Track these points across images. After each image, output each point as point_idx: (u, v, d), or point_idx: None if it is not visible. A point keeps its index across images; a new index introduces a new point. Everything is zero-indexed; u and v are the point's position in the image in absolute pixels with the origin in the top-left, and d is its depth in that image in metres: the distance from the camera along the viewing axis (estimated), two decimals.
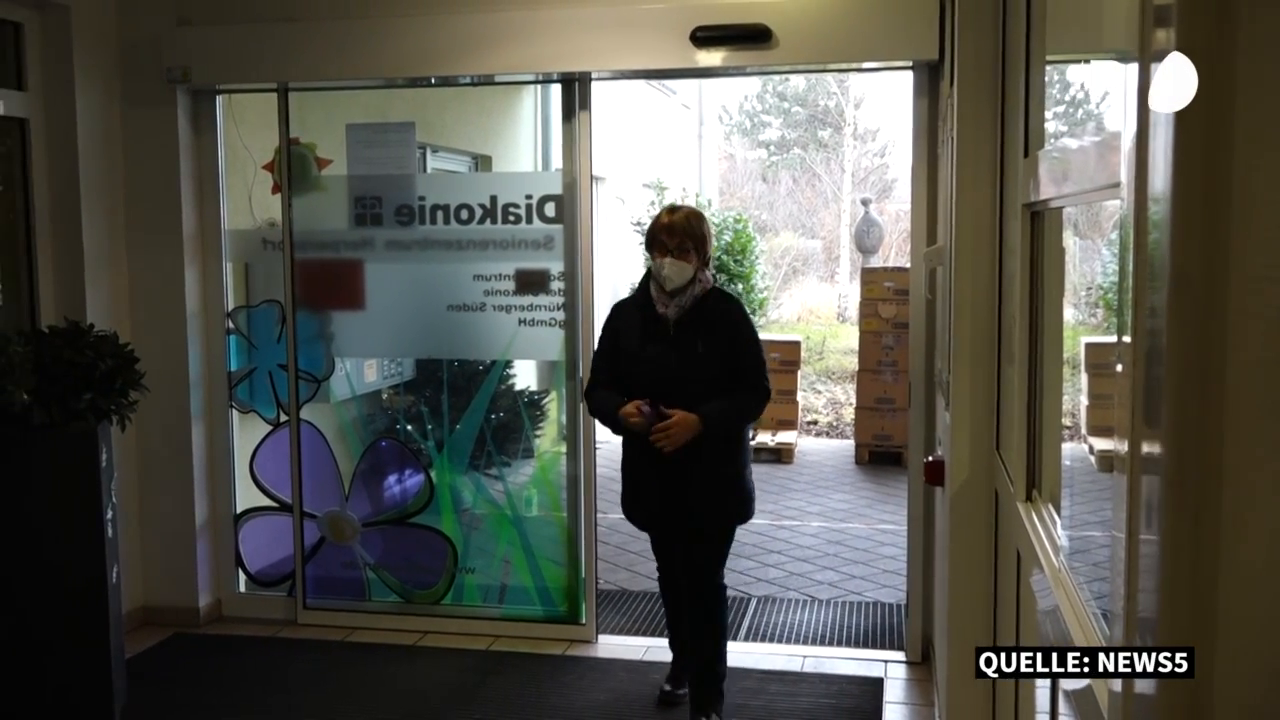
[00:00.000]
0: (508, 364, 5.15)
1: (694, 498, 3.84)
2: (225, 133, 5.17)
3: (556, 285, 4.88)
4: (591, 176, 4.92)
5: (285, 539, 5.30)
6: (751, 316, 3.91)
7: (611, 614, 5.33)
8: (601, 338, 3.99)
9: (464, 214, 4.92)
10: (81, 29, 4.81)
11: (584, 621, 4.99)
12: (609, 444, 5.81)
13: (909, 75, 4.59)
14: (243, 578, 5.34)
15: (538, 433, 5.38)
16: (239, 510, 5.29)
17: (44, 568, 3.96)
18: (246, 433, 5.29)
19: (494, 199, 4.91)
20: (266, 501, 5.31)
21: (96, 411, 3.97)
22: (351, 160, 5.03)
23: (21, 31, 4.71)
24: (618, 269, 12.57)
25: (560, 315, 4.89)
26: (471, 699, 4.35)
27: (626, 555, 6.42)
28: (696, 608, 3.96)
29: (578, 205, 4.81)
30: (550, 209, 4.85)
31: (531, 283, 4.89)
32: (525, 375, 5.49)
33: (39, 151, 4.76)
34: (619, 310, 3.98)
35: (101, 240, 4.93)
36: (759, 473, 8.60)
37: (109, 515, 4.05)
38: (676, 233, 3.81)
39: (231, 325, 5.22)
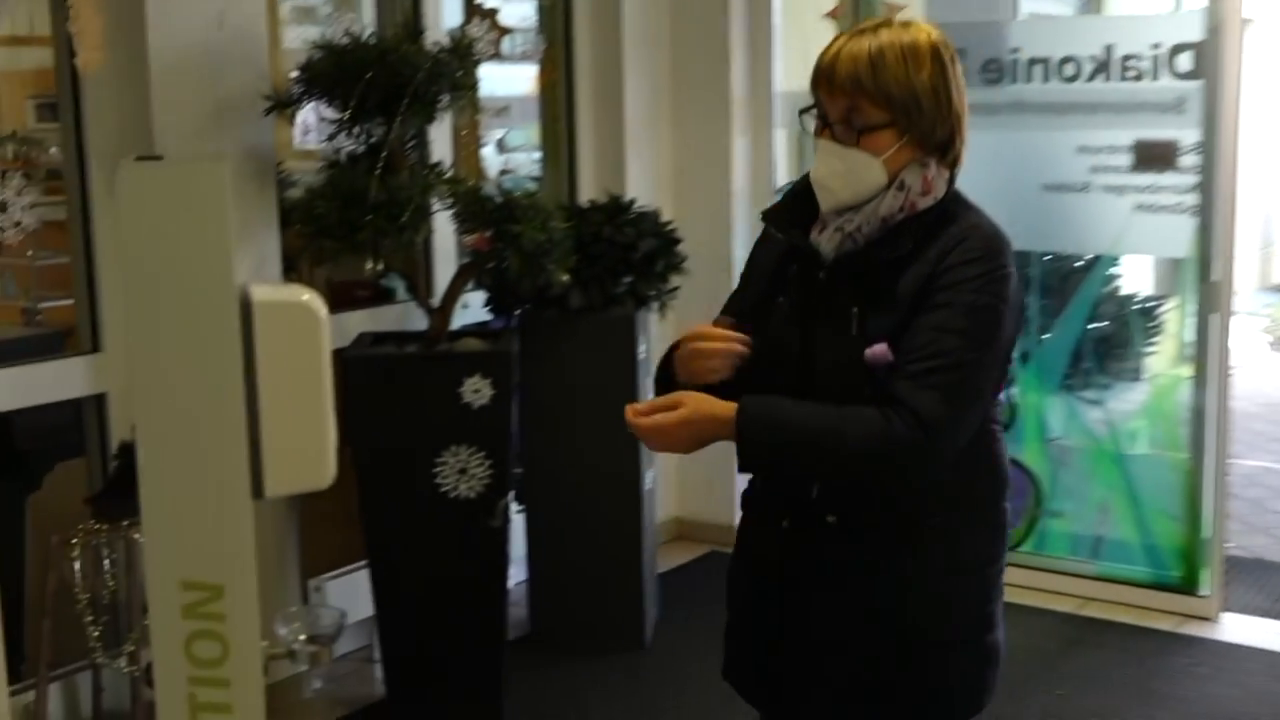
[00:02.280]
0: (1116, 260, 4.94)
1: (815, 641, 2.28)
2: None
3: (1188, 160, 4.57)
4: (1242, 18, 4.52)
5: None
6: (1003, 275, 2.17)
7: (1242, 588, 4.99)
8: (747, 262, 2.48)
9: (1069, 69, 4.73)
10: None
11: (1204, 593, 4.72)
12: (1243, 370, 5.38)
13: None
14: None
15: (1151, 349, 5.11)
16: None
17: (578, 462, 4.36)
18: None
19: (1109, 49, 4.66)
20: None
21: (636, 296, 4.27)
22: (930, 4, 4.96)
23: None
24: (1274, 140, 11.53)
25: (1191, 199, 4.58)
26: (1052, 669, 4.28)
27: (1266, 515, 5.99)
28: None
29: (1222, 56, 4.45)
30: (1184, 61, 4.53)
31: (1154, 157, 4.62)
32: (1138, 275, 5.22)
33: (582, 3, 5.13)
34: (767, 221, 2.40)
35: (644, 104, 5.25)
36: None
37: None
38: (843, 86, 2.16)
39: None
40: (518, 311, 4.30)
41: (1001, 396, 2.28)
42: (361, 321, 4.29)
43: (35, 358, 3.79)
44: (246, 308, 1.67)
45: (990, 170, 4.92)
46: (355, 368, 3.79)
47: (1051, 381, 5.01)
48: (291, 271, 4.15)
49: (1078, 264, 4.97)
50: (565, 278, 3.96)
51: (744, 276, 2.43)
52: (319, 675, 4.26)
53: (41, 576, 3.50)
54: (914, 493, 2.17)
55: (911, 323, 2.11)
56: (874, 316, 2.13)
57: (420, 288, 4.19)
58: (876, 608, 2.20)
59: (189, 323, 1.59)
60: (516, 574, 4.43)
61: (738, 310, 2.37)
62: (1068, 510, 5.01)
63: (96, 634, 3.47)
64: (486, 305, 4.39)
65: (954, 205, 2.21)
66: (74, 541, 3.40)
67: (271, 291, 1.73)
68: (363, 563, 4.07)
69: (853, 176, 2.18)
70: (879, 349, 2.10)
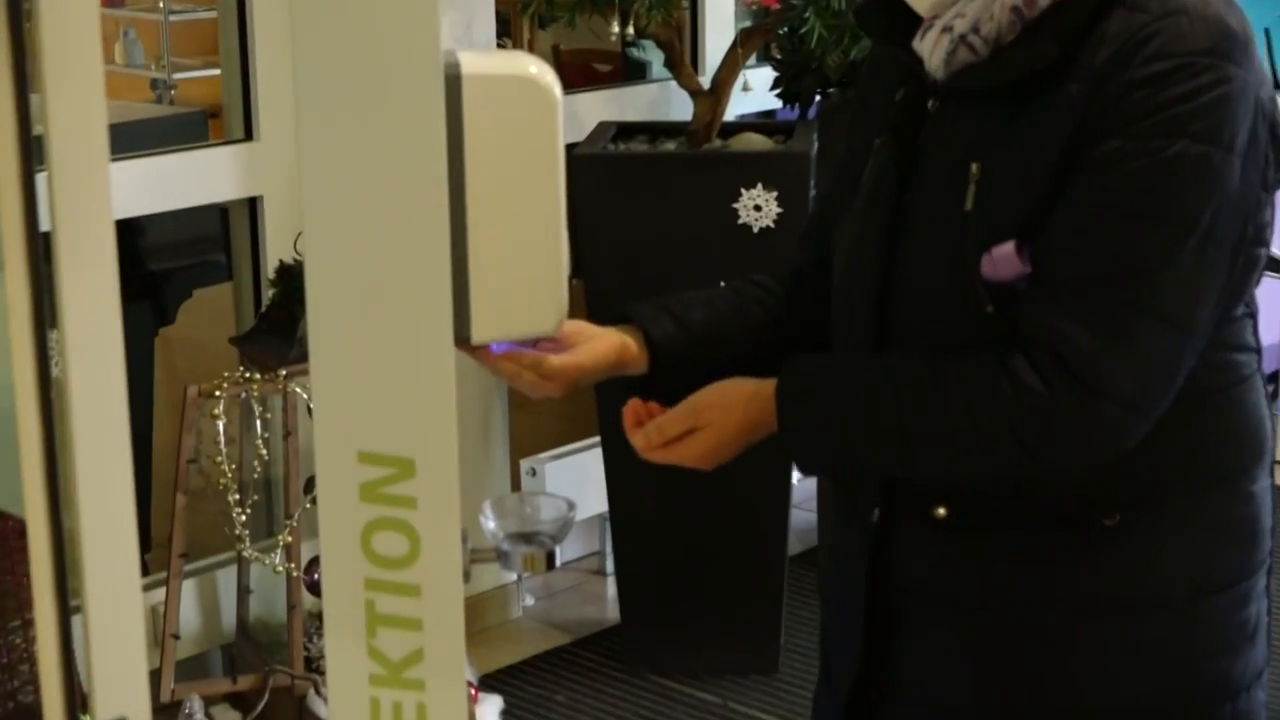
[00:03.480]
0: None
1: (905, 700, 2.03)
2: None
3: None
4: None
5: None
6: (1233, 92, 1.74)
7: None
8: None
9: None
10: None
11: None
12: None
13: None
14: None
15: None
16: None
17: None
18: None
19: None
20: None
21: None
22: None
23: None
24: None
25: None
26: None
27: None
28: None
29: None
30: None
31: None
32: None
33: None
34: (858, 22, 2.21)
35: None
36: None
37: None
38: None
39: None
40: (818, 98, 4.27)
41: (1255, 301, 1.91)
42: (601, 106, 4.33)
43: (167, 147, 3.93)
44: (453, 82, 1.70)
45: None
46: (592, 170, 3.84)
47: None
48: (507, 36, 4.19)
49: None
50: None
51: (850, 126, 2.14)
52: (533, 588, 4.41)
53: (173, 439, 3.67)
54: (1079, 477, 1.85)
55: (1061, 193, 1.76)
56: (1003, 181, 1.80)
57: (683, 61, 4.18)
58: (1009, 660, 1.93)
59: (377, 101, 1.61)
60: None
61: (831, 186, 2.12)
62: None
63: (243, 518, 3.63)
64: (775, 88, 4.37)
65: None
66: (217, 395, 3.55)
67: (487, 61, 1.75)
68: (594, 440, 4.16)
69: None
70: (1003, 251, 1.76)
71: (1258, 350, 1.92)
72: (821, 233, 2.12)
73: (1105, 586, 1.88)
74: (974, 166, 1.80)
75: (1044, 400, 1.72)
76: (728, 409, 1.92)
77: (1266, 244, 1.84)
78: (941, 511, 1.90)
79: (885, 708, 2.01)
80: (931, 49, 1.84)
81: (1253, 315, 1.90)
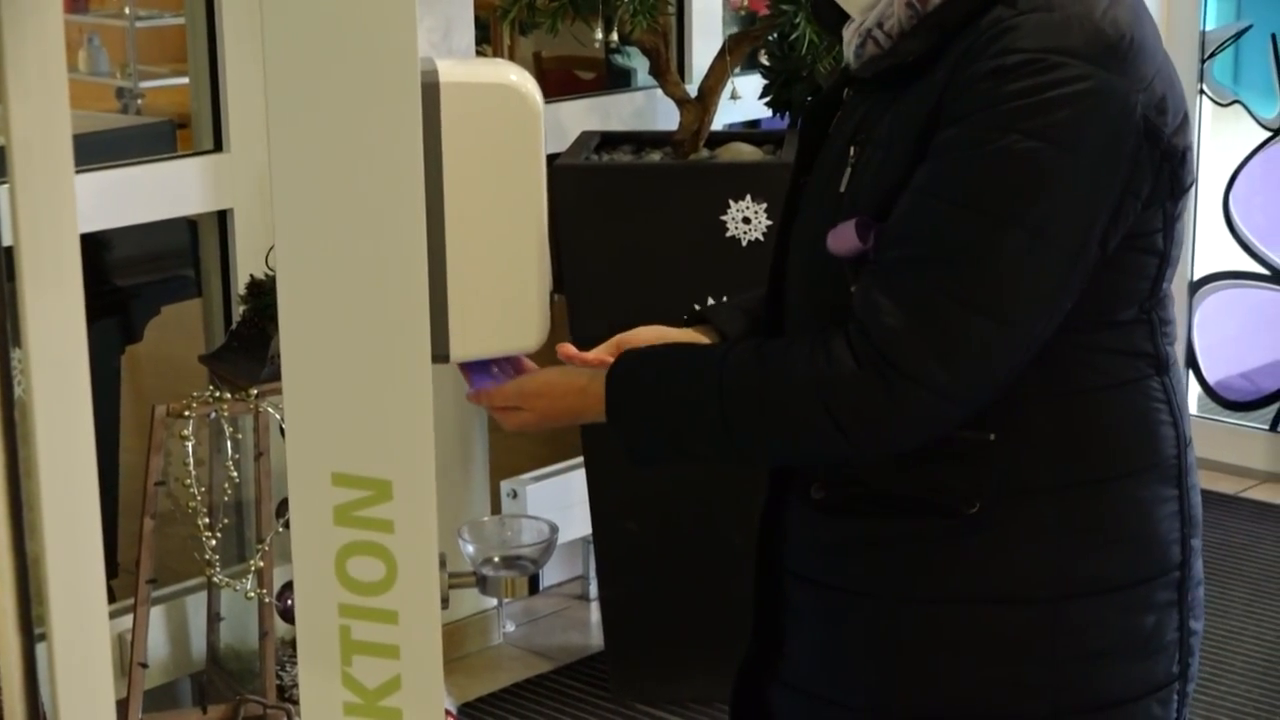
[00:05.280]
0: None
1: (785, 681, 2.16)
2: None
3: None
4: None
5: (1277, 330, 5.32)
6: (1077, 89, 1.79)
7: None
8: None
9: None
10: None
11: None
12: None
13: None
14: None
15: None
16: (1195, 276, 5.41)
17: None
18: (1222, 140, 5.32)
19: None
20: (1250, 266, 5.33)
21: None
22: None
23: None
24: None
25: None
26: None
27: None
28: None
29: None
30: None
31: None
32: None
33: None
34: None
35: None
36: None
37: None
38: None
39: None
40: (809, 106, 4.27)
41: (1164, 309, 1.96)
42: (584, 115, 4.33)
43: (133, 159, 3.91)
44: (431, 90, 1.69)
45: None
46: (574, 181, 3.83)
47: None
48: (486, 43, 4.19)
49: None
50: None
51: None
52: (514, 614, 4.40)
53: (141, 461, 3.65)
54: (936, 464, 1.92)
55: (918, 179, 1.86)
56: (871, 164, 1.93)
57: (669, 68, 4.18)
58: (875, 651, 2.00)
59: (351, 110, 1.62)
60: None
61: None
62: None
63: (213, 543, 3.61)
64: (764, 96, 4.37)
65: None
66: (186, 415, 3.53)
67: (465, 69, 1.75)
68: (577, 461, 4.15)
69: None
70: (845, 227, 1.87)
71: (1156, 357, 1.95)
72: None
73: (969, 578, 1.94)
74: (852, 149, 1.97)
75: (854, 376, 1.81)
76: (554, 398, 2.06)
77: (1158, 253, 1.91)
78: (818, 493, 1.98)
79: (769, 689, 2.15)
80: (849, 43, 1.98)
81: (1151, 323, 1.94)
